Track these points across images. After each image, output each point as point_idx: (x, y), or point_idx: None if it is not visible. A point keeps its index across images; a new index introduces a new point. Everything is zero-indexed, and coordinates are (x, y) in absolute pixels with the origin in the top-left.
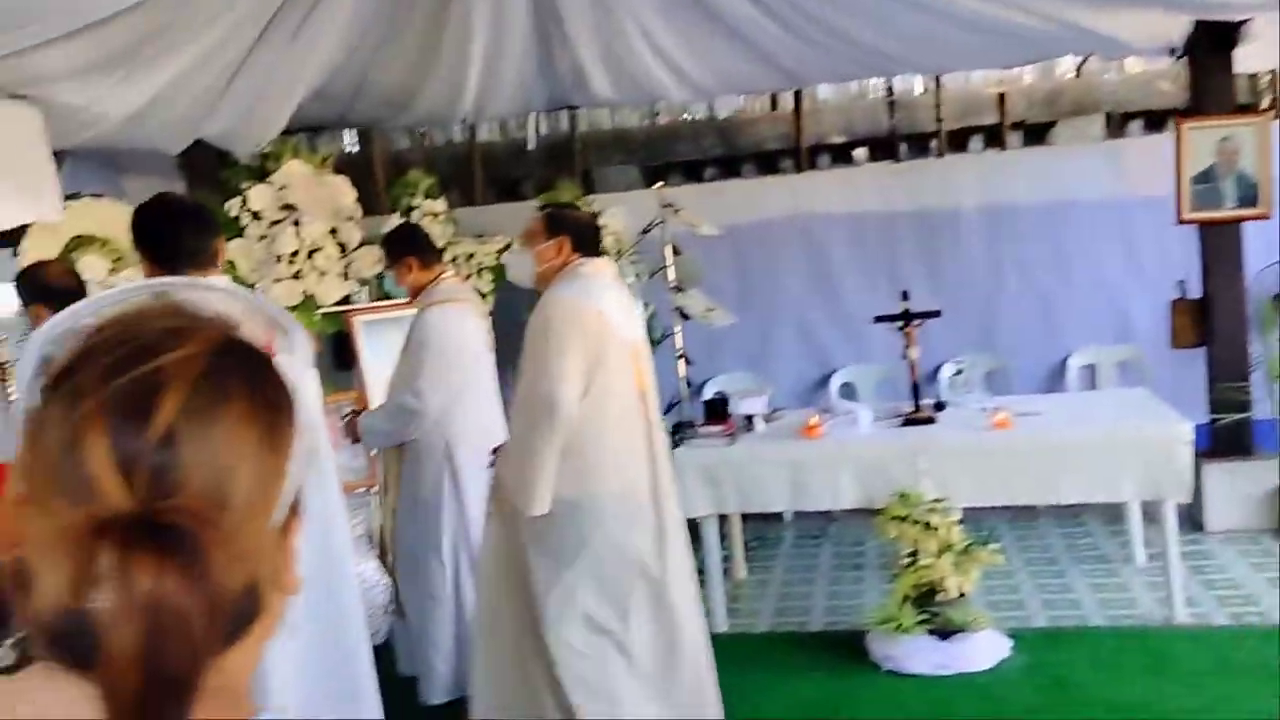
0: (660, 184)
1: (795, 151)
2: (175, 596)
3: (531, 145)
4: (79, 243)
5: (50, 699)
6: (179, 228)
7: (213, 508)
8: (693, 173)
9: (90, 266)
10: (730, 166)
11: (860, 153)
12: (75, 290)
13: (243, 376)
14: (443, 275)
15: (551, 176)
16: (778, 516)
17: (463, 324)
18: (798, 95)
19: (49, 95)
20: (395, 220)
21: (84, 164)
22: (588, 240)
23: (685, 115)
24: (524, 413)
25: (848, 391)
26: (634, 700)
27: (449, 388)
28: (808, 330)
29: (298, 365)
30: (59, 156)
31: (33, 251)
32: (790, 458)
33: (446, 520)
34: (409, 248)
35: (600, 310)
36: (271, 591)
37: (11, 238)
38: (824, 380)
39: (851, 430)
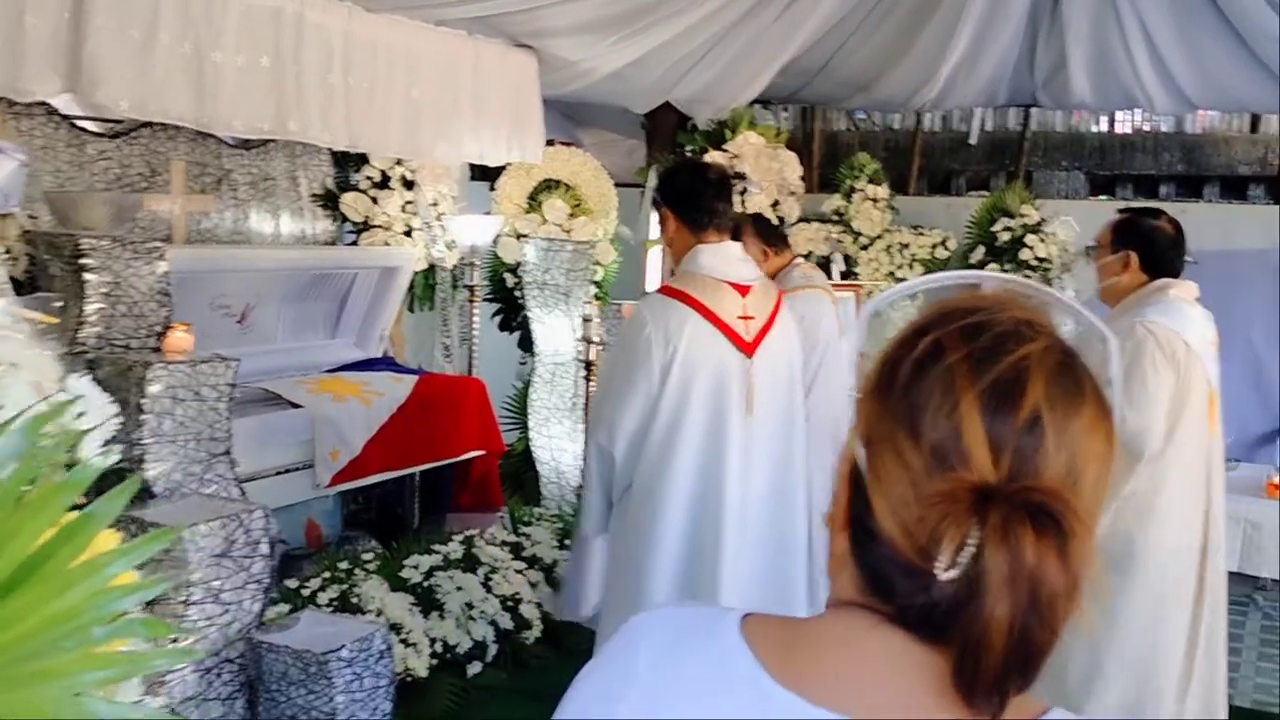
0: (1103, 196)
1: (1275, 180)
2: (1052, 573)
3: (973, 140)
4: (546, 185)
5: (873, 647)
6: (712, 192)
7: (1072, 494)
8: (1144, 188)
9: (553, 208)
10: (1191, 186)
11: None
12: None
13: (1088, 376)
14: (795, 261)
15: (989, 173)
16: None
17: (819, 307)
18: None
19: (549, 47)
20: (835, 200)
21: (547, 113)
22: (1162, 258)
23: (1147, 126)
24: None
25: None
26: None
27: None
28: (1264, 378)
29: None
30: None
31: (507, 189)
32: (1244, 515)
33: None
34: (759, 235)
35: (1188, 343)
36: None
37: (489, 174)
38: (1274, 435)
39: None
